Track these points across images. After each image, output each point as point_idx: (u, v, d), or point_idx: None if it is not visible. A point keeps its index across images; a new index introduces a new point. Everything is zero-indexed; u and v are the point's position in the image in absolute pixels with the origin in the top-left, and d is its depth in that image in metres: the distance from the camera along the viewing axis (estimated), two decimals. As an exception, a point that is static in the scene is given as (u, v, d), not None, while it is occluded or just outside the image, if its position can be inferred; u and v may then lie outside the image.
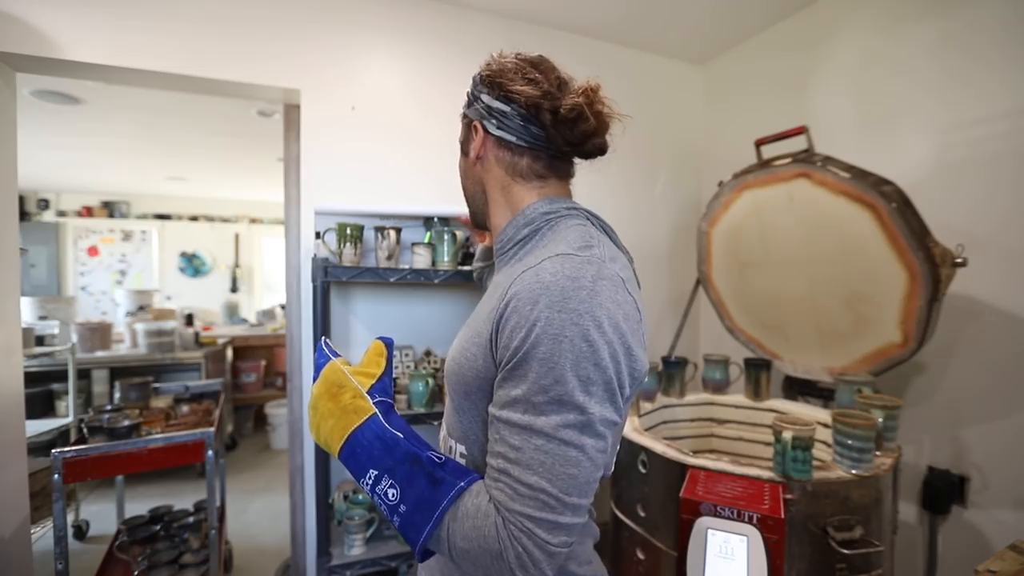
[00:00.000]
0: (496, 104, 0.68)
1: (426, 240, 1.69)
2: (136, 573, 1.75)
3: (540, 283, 0.54)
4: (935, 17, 1.54)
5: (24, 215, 4.92)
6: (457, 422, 0.66)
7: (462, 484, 0.57)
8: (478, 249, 0.82)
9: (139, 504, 2.58)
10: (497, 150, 0.70)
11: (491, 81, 0.69)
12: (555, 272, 0.55)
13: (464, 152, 0.73)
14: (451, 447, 0.68)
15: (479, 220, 0.75)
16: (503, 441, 0.55)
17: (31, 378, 2.43)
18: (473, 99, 0.72)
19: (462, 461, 0.66)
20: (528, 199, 0.69)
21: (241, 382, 4.21)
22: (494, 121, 0.68)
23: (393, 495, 0.57)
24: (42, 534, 2.40)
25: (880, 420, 1.17)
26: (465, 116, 0.73)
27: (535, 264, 0.58)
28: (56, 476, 1.43)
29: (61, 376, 2.88)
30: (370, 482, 0.58)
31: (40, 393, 2.99)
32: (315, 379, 0.66)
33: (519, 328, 0.54)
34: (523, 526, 0.52)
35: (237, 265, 5.71)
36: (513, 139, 0.67)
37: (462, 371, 0.63)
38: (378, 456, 0.59)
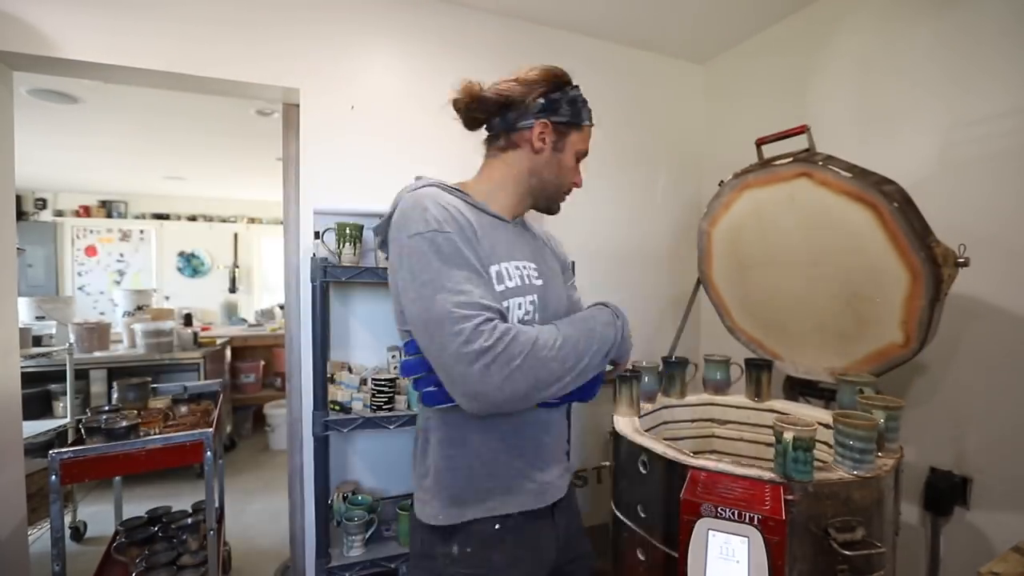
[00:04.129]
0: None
1: (426, 240, 1.68)
2: (134, 574, 1.74)
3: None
4: (934, 17, 1.54)
5: (21, 215, 4.90)
6: None
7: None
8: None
9: (137, 505, 2.57)
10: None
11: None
12: None
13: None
14: None
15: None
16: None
17: (28, 378, 2.42)
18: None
19: None
20: None
21: (240, 382, 4.20)
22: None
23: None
24: (39, 535, 2.39)
25: (882, 421, 1.16)
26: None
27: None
28: (53, 477, 1.42)
29: (59, 376, 2.86)
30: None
31: (37, 394, 2.98)
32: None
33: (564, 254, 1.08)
34: None
35: (236, 265, 5.70)
36: None
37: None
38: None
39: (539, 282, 0.87)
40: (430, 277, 0.74)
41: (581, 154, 0.95)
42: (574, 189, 0.98)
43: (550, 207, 0.98)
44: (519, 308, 0.82)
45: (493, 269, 0.81)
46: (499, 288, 0.80)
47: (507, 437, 0.84)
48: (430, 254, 0.75)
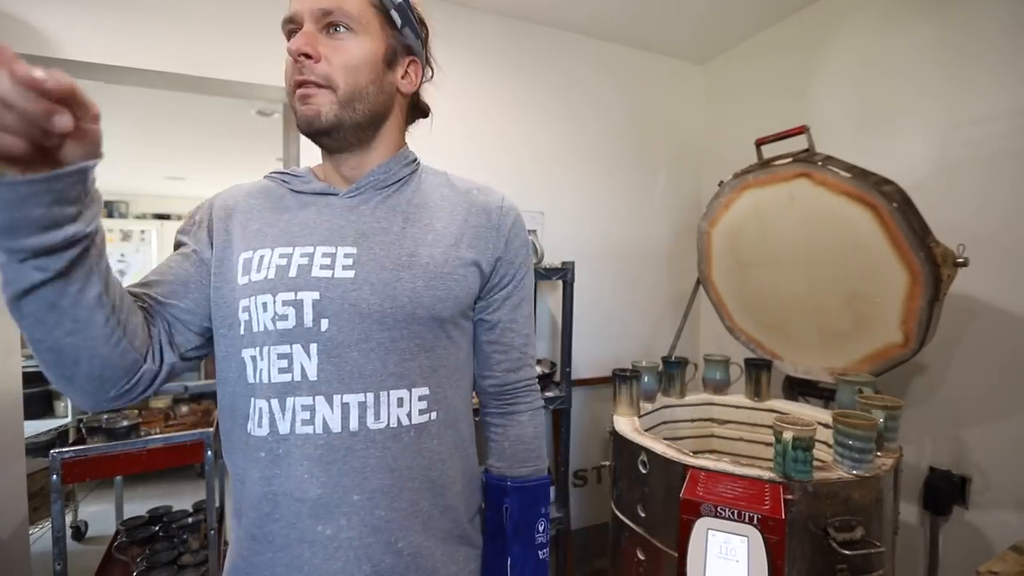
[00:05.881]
0: (424, 49, 0.74)
1: (426, 240, 1.68)
2: (135, 574, 1.74)
3: (518, 212, 0.74)
4: (934, 17, 1.54)
5: (23, 215, 4.90)
6: (427, 362, 0.63)
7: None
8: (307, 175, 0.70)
9: (138, 505, 2.57)
10: (412, 88, 0.72)
11: (423, 24, 0.72)
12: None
13: (389, 63, 0.66)
14: (401, 398, 0.60)
15: (350, 137, 0.65)
16: (518, 335, 0.73)
17: (29, 378, 2.41)
18: (416, 28, 0.70)
19: (423, 404, 0.62)
20: (404, 141, 0.75)
21: (240, 382, 4.20)
22: (423, 64, 0.74)
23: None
24: (40, 535, 2.39)
25: (881, 420, 1.16)
26: (395, 26, 0.66)
27: (496, 195, 0.73)
28: (54, 477, 1.42)
29: (60, 376, 2.87)
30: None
31: (39, 393, 2.98)
32: None
33: (524, 245, 0.73)
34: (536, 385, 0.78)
35: (236, 265, 5.70)
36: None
37: (457, 299, 0.65)
38: None
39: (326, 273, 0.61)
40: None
41: None
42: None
43: None
44: (263, 309, 0.59)
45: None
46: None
47: None
48: None
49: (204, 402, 2.15)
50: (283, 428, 0.58)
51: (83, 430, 1.64)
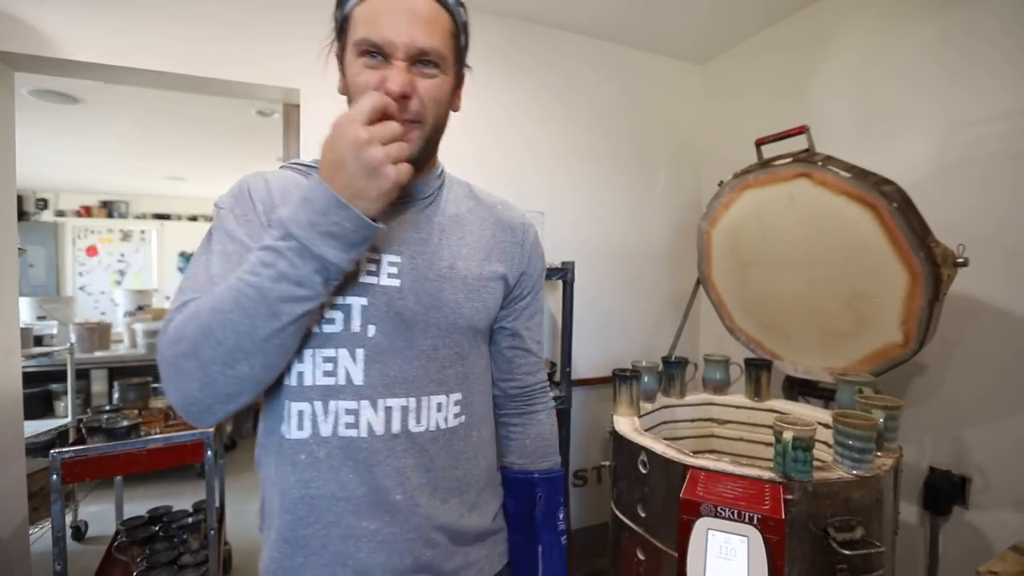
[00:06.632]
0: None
1: (426, 240, 1.68)
2: (135, 574, 1.75)
3: (535, 227, 0.78)
4: (935, 17, 1.54)
5: (22, 215, 4.91)
6: (462, 369, 0.67)
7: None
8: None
9: (138, 505, 2.57)
10: (459, 107, 0.69)
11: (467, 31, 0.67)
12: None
13: (455, 91, 0.66)
14: (440, 404, 0.64)
15: (417, 164, 0.62)
16: (534, 341, 0.78)
17: (29, 378, 2.42)
18: (467, 43, 0.66)
19: (457, 408, 0.66)
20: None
21: (240, 382, 4.20)
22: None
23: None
24: (40, 535, 2.39)
25: (881, 420, 1.16)
26: (462, 51, 0.65)
27: (518, 211, 0.76)
28: (54, 477, 1.42)
29: (60, 376, 2.87)
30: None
31: (38, 393, 2.98)
32: None
33: (541, 258, 0.78)
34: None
35: (236, 265, 5.70)
36: None
37: (489, 311, 0.69)
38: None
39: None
40: None
41: None
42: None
43: None
44: None
45: None
46: None
47: None
48: None
49: (204, 402, 2.15)
50: (325, 431, 0.59)
51: (83, 430, 1.64)
